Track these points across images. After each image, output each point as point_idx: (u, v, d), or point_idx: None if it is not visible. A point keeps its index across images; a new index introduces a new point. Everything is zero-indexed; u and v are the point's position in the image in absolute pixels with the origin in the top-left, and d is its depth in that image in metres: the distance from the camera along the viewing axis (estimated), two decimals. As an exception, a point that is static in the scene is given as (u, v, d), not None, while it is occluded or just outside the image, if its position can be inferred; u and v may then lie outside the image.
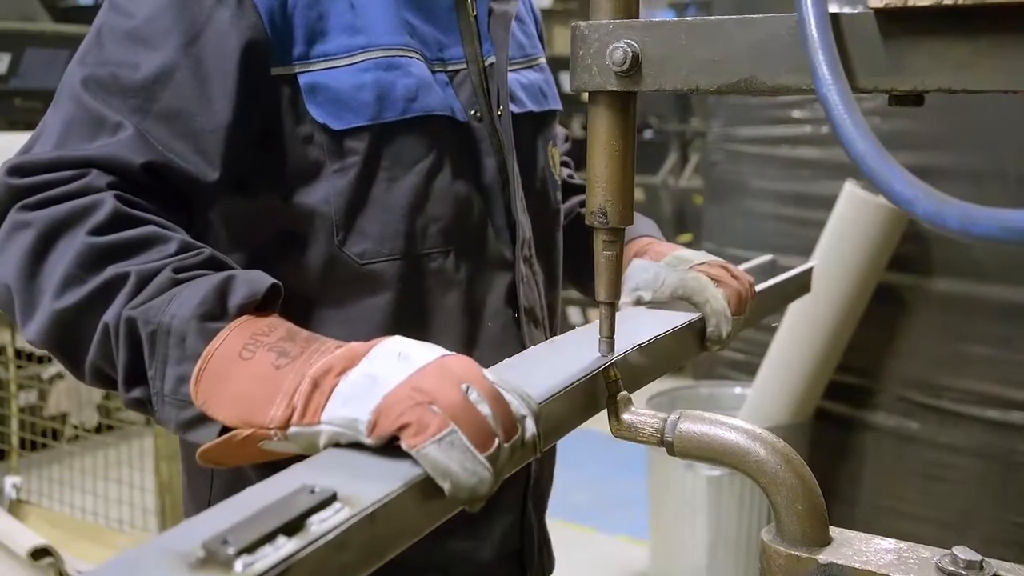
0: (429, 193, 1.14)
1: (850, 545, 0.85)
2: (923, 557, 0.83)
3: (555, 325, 1.36)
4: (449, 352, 0.82)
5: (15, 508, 3.03)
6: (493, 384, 0.79)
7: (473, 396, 0.76)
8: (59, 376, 4.23)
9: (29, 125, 4.72)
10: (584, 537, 3.97)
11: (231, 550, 0.57)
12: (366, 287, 1.12)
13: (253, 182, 1.09)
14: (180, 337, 0.86)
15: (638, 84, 0.86)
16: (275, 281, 0.91)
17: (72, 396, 4.21)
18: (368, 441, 0.76)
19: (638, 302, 1.29)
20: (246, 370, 0.83)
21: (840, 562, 0.83)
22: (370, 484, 0.68)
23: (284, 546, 0.60)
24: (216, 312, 0.87)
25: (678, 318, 1.21)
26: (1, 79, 4.69)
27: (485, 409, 0.76)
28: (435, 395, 0.75)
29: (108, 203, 0.96)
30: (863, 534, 0.87)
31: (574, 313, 6.09)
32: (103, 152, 0.99)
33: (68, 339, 0.95)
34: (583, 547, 3.86)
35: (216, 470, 1.20)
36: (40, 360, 3.96)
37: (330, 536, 0.62)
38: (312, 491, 0.65)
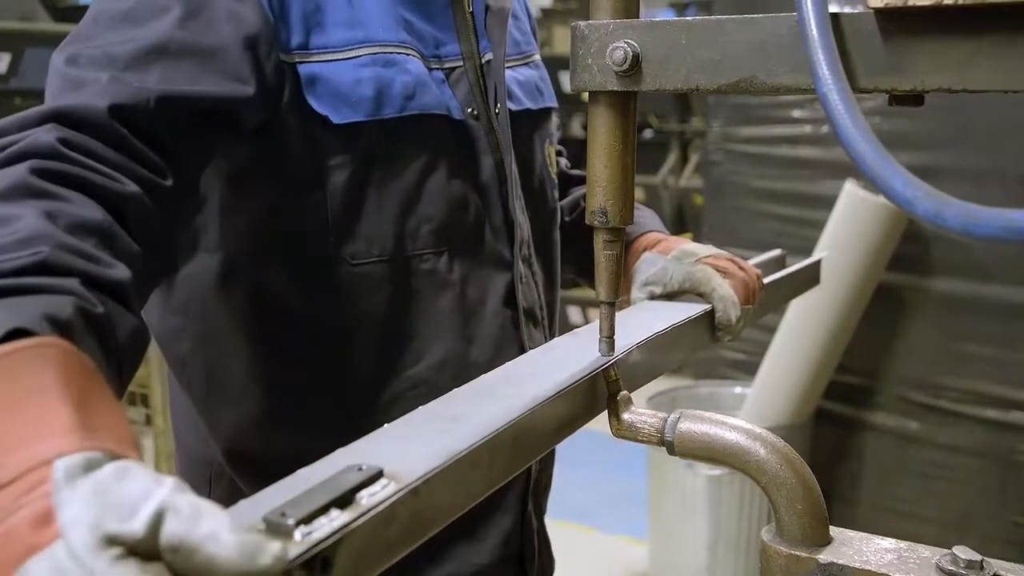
0: (422, 193, 1.13)
1: (850, 545, 0.85)
2: (923, 557, 0.83)
3: (554, 325, 1.36)
4: None
5: (15, 508, 3.02)
6: None
7: None
8: (59, 376, 4.21)
9: (29, 125, 4.73)
10: (584, 537, 3.97)
11: (290, 521, 0.61)
12: (360, 288, 1.11)
13: (248, 177, 1.08)
14: None
15: (638, 84, 0.86)
16: (18, 326, 0.64)
17: (72, 396, 4.20)
18: None
19: (650, 297, 1.29)
20: None
21: (840, 562, 0.83)
22: (413, 462, 0.72)
23: (338, 518, 0.63)
24: None
25: (687, 309, 1.21)
26: (1, 79, 4.69)
27: None
28: None
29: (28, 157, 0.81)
30: (863, 534, 0.87)
31: (574, 313, 6.09)
32: (65, 103, 0.89)
33: None
34: (583, 547, 3.86)
35: (214, 481, 1.19)
36: (40, 360, 3.95)
37: (379, 509, 0.65)
38: (360, 468, 0.69)
